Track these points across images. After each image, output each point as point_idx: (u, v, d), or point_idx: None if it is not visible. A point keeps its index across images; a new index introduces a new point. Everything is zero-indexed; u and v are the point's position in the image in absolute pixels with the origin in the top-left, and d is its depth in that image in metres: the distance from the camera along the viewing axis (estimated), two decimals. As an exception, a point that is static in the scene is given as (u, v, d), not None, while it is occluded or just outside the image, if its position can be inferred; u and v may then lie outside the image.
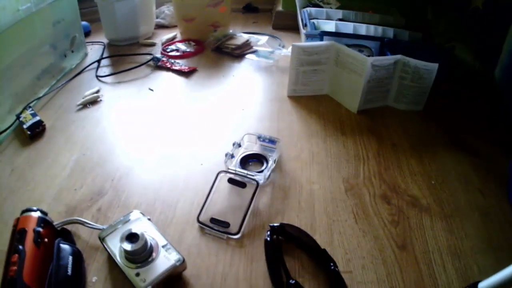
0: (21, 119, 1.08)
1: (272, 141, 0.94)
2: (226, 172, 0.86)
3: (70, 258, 0.69)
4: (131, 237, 0.66)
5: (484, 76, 1.21)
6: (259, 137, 0.94)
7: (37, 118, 1.08)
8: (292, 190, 0.88)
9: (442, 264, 0.73)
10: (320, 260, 0.71)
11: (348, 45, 1.12)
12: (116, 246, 0.69)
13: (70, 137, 1.07)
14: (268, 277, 0.70)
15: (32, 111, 1.10)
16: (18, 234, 0.68)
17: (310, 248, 0.73)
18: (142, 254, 0.66)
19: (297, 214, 0.81)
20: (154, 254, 0.67)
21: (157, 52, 1.54)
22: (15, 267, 0.62)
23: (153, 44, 1.61)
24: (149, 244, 0.67)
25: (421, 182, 0.90)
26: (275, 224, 0.74)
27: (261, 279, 0.70)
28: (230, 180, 0.84)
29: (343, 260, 0.73)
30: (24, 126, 1.05)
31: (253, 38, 1.52)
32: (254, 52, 1.48)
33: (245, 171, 0.86)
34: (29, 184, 0.92)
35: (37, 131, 1.07)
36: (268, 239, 0.73)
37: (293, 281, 0.65)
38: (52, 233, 0.72)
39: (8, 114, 1.09)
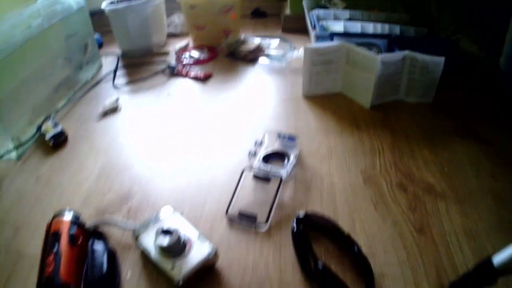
0: (42, 130, 1.12)
1: (291, 138, 0.99)
2: (251, 169, 0.91)
3: (104, 257, 0.74)
4: (166, 232, 0.71)
5: (489, 66, 1.25)
6: (279, 135, 1.00)
7: (59, 128, 1.13)
8: (314, 183, 0.93)
9: (459, 245, 0.77)
10: (345, 244, 0.76)
11: (358, 44, 1.16)
12: (150, 242, 0.74)
13: (93, 145, 1.13)
14: (297, 263, 0.75)
15: (54, 122, 1.15)
16: (52, 236, 0.72)
17: (335, 234, 0.78)
18: (176, 249, 0.70)
19: (319, 205, 0.86)
20: (187, 248, 0.72)
21: (171, 60, 1.60)
22: (51, 267, 0.66)
23: (166, 53, 1.67)
24: (182, 238, 0.72)
25: (434, 170, 0.94)
26: (300, 214, 0.80)
27: (290, 266, 0.75)
28: (255, 177, 0.89)
29: (365, 244, 0.77)
30: (47, 137, 1.10)
31: (264, 42, 1.56)
32: (266, 55, 1.54)
33: (268, 167, 0.91)
34: (56, 191, 0.97)
35: (59, 140, 1.12)
36: (295, 228, 0.78)
37: (321, 264, 0.70)
38: (85, 234, 0.77)
39: (28, 126, 1.14)
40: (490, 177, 0.91)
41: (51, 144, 1.08)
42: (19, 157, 1.08)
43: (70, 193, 0.96)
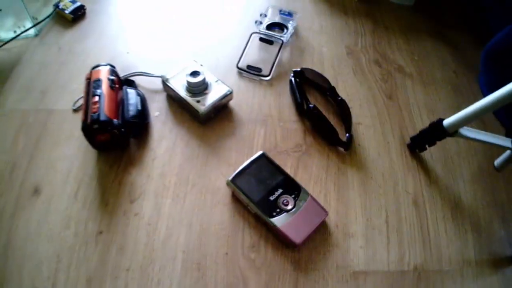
0: (60, 7, 1.15)
1: (290, 14, 1.12)
2: (257, 33, 1.06)
3: (137, 99, 0.87)
4: (193, 74, 0.86)
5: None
6: (280, 11, 1.13)
7: (78, 3, 1.16)
8: (307, 50, 1.08)
9: (420, 114, 0.96)
10: (331, 94, 0.94)
11: None
12: (178, 85, 0.89)
13: (113, 15, 1.19)
14: (292, 106, 0.94)
15: (71, -1, 1.18)
16: (94, 83, 0.83)
17: (323, 85, 0.95)
18: (201, 86, 0.86)
19: (311, 67, 1.01)
20: (209, 88, 0.88)
21: None
22: (96, 106, 0.78)
23: None
24: (206, 79, 0.87)
25: (406, 57, 1.11)
26: (297, 69, 0.97)
27: (287, 107, 0.94)
28: (261, 39, 1.05)
29: (346, 99, 0.94)
30: (67, 11, 1.14)
31: None
32: None
33: (272, 33, 1.06)
34: (80, 56, 1.05)
35: (79, 14, 1.16)
36: (292, 78, 0.95)
37: (312, 105, 0.88)
38: (120, 82, 0.89)
39: (43, 7, 1.13)
40: (453, 73, 1.07)
41: (71, 18, 1.10)
42: (37, 34, 1.13)
43: (94, 56, 1.04)
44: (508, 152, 0.79)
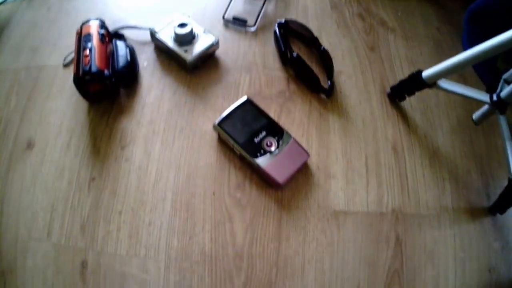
0: None
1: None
2: None
3: (127, 51, 0.90)
4: (182, 25, 0.89)
5: None
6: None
7: None
8: (291, 3, 1.10)
9: (401, 66, 0.98)
10: (314, 44, 0.96)
11: None
12: (166, 36, 0.92)
13: None
14: (277, 55, 0.96)
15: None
16: (85, 37, 0.86)
17: (307, 36, 0.98)
18: (189, 37, 0.89)
19: (295, 19, 1.03)
20: (195, 38, 0.91)
21: None
22: (88, 58, 0.81)
23: None
24: (193, 30, 0.90)
25: (389, 12, 1.12)
26: (282, 20, 0.99)
27: (271, 56, 0.97)
28: None
29: (328, 50, 0.97)
30: None
31: None
32: None
33: None
34: (70, 13, 1.06)
35: None
36: (276, 29, 0.97)
37: (295, 54, 0.90)
38: (110, 35, 0.92)
39: None
40: (436, 30, 1.08)
41: None
42: None
43: (84, 13, 1.06)
44: (486, 106, 0.81)
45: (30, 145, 0.82)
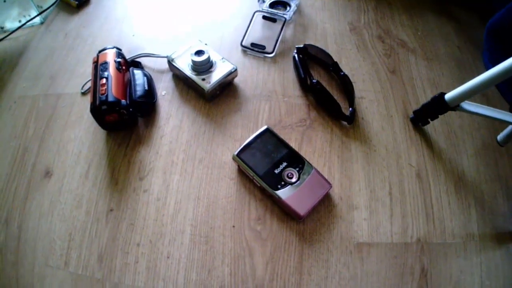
0: None
1: (292, -9, 1.12)
2: (260, 11, 1.07)
3: (144, 79, 0.89)
4: (198, 53, 0.88)
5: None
6: (282, -12, 1.13)
7: None
8: (310, 27, 1.09)
9: (423, 88, 0.96)
10: (333, 69, 0.94)
11: None
12: (183, 64, 0.91)
13: (117, 0, 1.21)
14: (296, 82, 0.95)
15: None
16: (101, 65, 0.85)
17: (326, 62, 0.96)
18: (206, 65, 0.88)
19: (314, 43, 1.01)
20: (213, 66, 0.90)
21: None
22: (104, 88, 0.81)
23: None
24: (211, 57, 0.89)
25: (409, 32, 1.11)
26: (300, 45, 0.97)
27: (291, 83, 0.95)
28: (264, 17, 1.05)
29: (349, 74, 0.95)
30: None
31: None
32: None
33: (275, 11, 1.07)
34: (87, 40, 1.07)
35: (83, 0, 1.17)
36: (295, 55, 0.96)
37: (315, 80, 0.89)
38: (127, 63, 0.91)
39: None
40: (457, 48, 1.07)
41: (75, 4, 1.13)
42: (43, 22, 1.14)
43: (101, 40, 1.07)
44: (510, 127, 0.79)
45: (48, 174, 0.82)
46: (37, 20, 1.11)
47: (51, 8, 1.14)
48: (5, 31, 1.08)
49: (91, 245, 0.74)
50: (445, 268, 0.72)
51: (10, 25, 1.10)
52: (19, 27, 1.08)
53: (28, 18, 1.10)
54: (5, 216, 0.77)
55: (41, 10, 1.11)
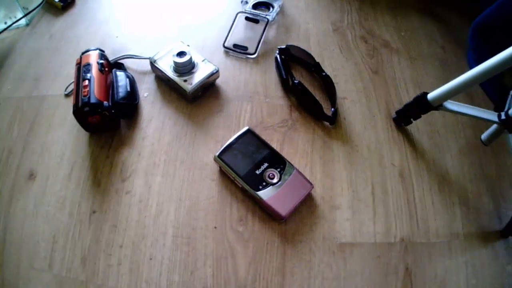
0: None
1: (276, -9, 1.12)
2: (243, 12, 1.07)
3: (126, 81, 0.89)
4: (180, 54, 0.88)
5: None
6: (266, -12, 1.14)
7: None
8: (293, 28, 1.09)
9: (406, 88, 0.97)
10: (316, 70, 0.95)
11: None
12: (166, 65, 0.91)
13: (102, 1, 1.20)
14: (278, 83, 0.95)
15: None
16: (84, 67, 0.85)
17: (308, 62, 0.97)
18: (188, 66, 0.88)
19: (297, 44, 1.01)
20: (195, 67, 0.90)
21: None
22: (87, 89, 0.80)
23: None
24: (192, 58, 0.89)
25: (393, 32, 1.11)
26: (282, 46, 0.98)
27: (273, 84, 0.95)
28: (247, 18, 1.06)
29: (331, 75, 0.95)
30: (56, 0, 1.14)
31: None
32: None
33: (258, 12, 1.07)
34: (72, 42, 1.07)
35: (68, 1, 1.16)
36: (277, 56, 0.96)
37: (297, 81, 0.89)
38: (109, 65, 0.91)
39: None
40: (440, 48, 1.07)
41: (61, 6, 1.13)
42: (28, 23, 1.14)
43: (85, 42, 1.06)
44: (494, 126, 0.79)
45: (32, 176, 0.82)
46: (23, 21, 1.11)
47: (36, 9, 1.13)
48: (-10, 33, 1.05)
49: (74, 247, 0.73)
50: (430, 268, 0.72)
51: (-5, 27, 1.07)
52: (5, 29, 1.07)
53: (14, 19, 1.09)
54: (-11, 219, 0.74)
55: (27, 11, 1.11)
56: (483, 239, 0.76)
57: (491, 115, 0.74)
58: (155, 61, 0.92)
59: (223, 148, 0.79)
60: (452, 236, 0.76)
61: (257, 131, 0.82)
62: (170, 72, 0.89)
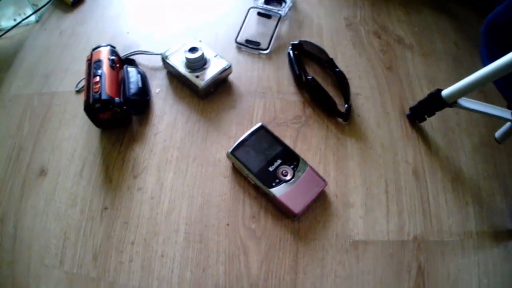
0: None
1: (289, -13, 1.11)
2: (255, 8, 1.06)
3: (138, 77, 0.89)
4: (192, 50, 0.87)
5: None
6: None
7: None
8: (305, 23, 1.08)
9: (419, 85, 0.95)
10: (329, 65, 0.94)
11: None
12: (177, 61, 0.90)
13: None
14: (291, 78, 0.94)
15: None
16: (95, 63, 0.85)
17: (322, 58, 0.95)
18: (200, 62, 0.87)
19: (309, 39, 1.01)
20: (207, 63, 0.89)
21: None
22: (98, 86, 0.80)
23: None
24: (204, 54, 0.88)
25: (406, 28, 1.09)
26: (295, 42, 0.96)
27: (286, 80, 0.94)
28: (259, 13, 1.05)
29: (344, 71, 0.94)
30: None
31: None
32: None
33: (270, 7, 1.06)
34: (82, 38, 1.06)
35: None
36: (290, 51, 0.95)
37: (310, 77, 0.88)
38: (120, 61, 0.91)
39: None
40: (454, 44, 1.06)
41: (70, 2, 1.12)
42: (38, 20, 1.14)
43: (95, 38, 1.06)
44: (508, 124, 0.77)
45: (43, 172, 0.81)
46: (32, 18, 1.11)
47: (46, 6, 1.13)
48: (0, 30, 1.07)
49: (85, 244, 0.73)
50: (443, 266, 0.71)
51: (5, 23, 1.10)
52: (15, 26, 1.07)
53: (24, 16, 1.09)
54: (1, 215, 0.76)
55: (36, 8, 1.11)
56: (495, 238, 0.74)
57: (505, 113, 0.73)
58: (166, 57, 0.91)
59: (236, 144, 0.78)
60: (465, 235, 0.75)
61: (270, 127, 0.82)
62: (182, 68, 0.88)
